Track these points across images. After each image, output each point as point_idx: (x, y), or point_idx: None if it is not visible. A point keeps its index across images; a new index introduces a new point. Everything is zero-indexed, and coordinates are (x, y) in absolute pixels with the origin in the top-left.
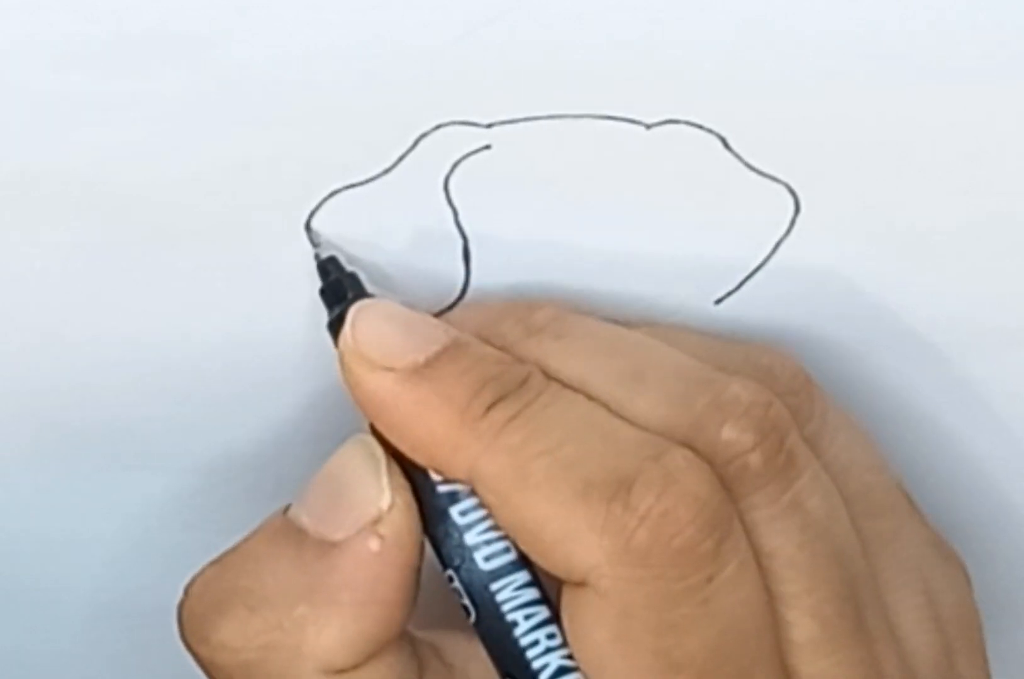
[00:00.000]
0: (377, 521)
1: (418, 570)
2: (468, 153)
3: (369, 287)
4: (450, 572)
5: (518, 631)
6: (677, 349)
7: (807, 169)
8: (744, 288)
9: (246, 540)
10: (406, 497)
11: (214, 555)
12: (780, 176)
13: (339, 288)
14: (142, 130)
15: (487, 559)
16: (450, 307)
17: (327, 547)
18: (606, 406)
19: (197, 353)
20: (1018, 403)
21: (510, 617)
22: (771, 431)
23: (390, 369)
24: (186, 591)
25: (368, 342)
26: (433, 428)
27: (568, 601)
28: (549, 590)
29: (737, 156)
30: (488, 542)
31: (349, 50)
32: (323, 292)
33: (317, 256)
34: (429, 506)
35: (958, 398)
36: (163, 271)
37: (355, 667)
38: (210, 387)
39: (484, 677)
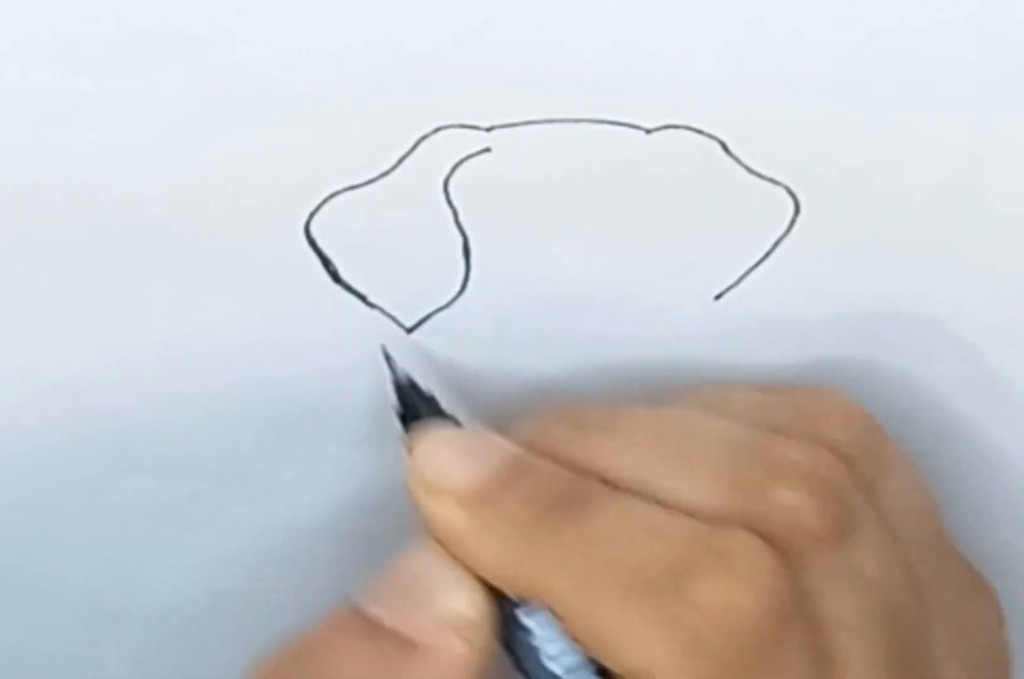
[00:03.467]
0: (461, 624)
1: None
2: (468, 156)
3: (444, 404)
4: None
5: None
6: (724, 415)
7: (806, 171)
8: (743, 286)
9: (316, 630)
10: (487, 600)
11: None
12: (780, 178)
13: (416, 412)
14: (142, 130)
15: (552, 658)
16: (448, 305)
17: (408, 646)
18: (661, 497)
19: (196, 354)
20: (1017, 401)
21: None
22: (828, 492)
23: (452, 494)
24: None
25: (429, 467)
26: (495, 550)
27: None
28: None
29: (737, 160)
30: (557, 643)
31: (350, 52)
32: (401, 417)
33: (396, 380)
34: (499, 608)
35: (957, 395)
36: (162, 272)
37: None
38: (210, 388)
39: None
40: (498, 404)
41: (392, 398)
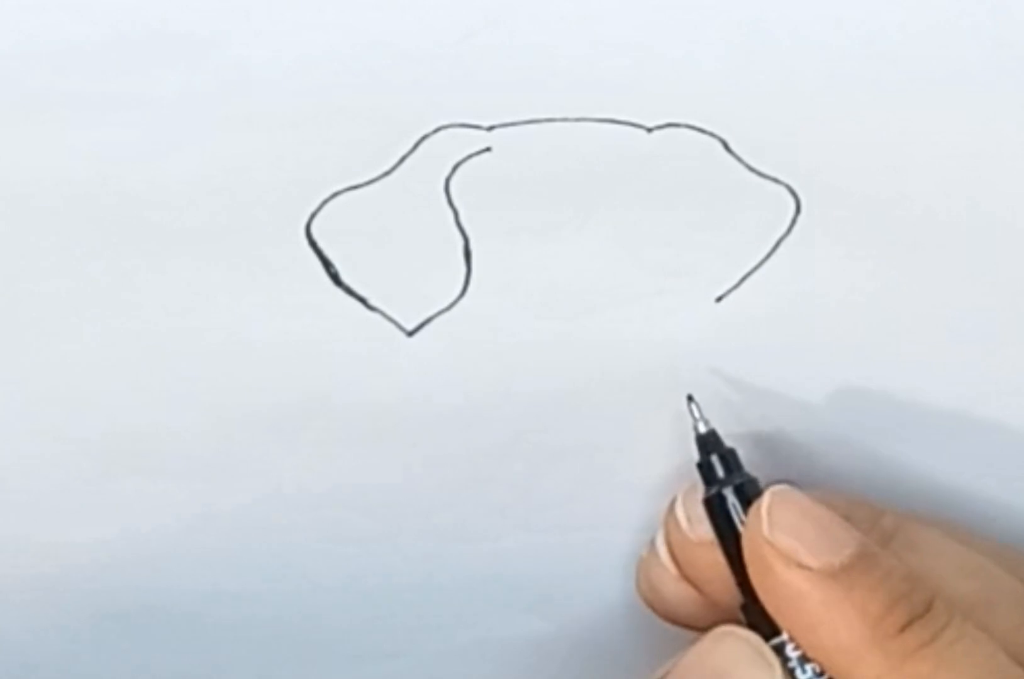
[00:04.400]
0: None
1: None
2: (469, 155)
3: (744, 466)
4: None
5: None
6: (1011, 573)
7: (808, 170)
8: (745, 287)
9: None
10: None
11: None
12: (781, 177)
13: (718, 464)
14: (141, 130)
15: None
16: (449, 308)
17: None
18: None
19: (196, 355)
20: (1018, 401)
21: None
22: None
23: (805, 567)
24: None
25: (784, 534)
26: (840, 635)
27: None
28: None
29: (738, 158)
30: None
31: (350, 52)
32: (700, 466)
33: (697, 429)
34: None
35: (957, 397)
36: (162, 272)
37: None
38: (210, 389)
39: None
40: (499, 405)
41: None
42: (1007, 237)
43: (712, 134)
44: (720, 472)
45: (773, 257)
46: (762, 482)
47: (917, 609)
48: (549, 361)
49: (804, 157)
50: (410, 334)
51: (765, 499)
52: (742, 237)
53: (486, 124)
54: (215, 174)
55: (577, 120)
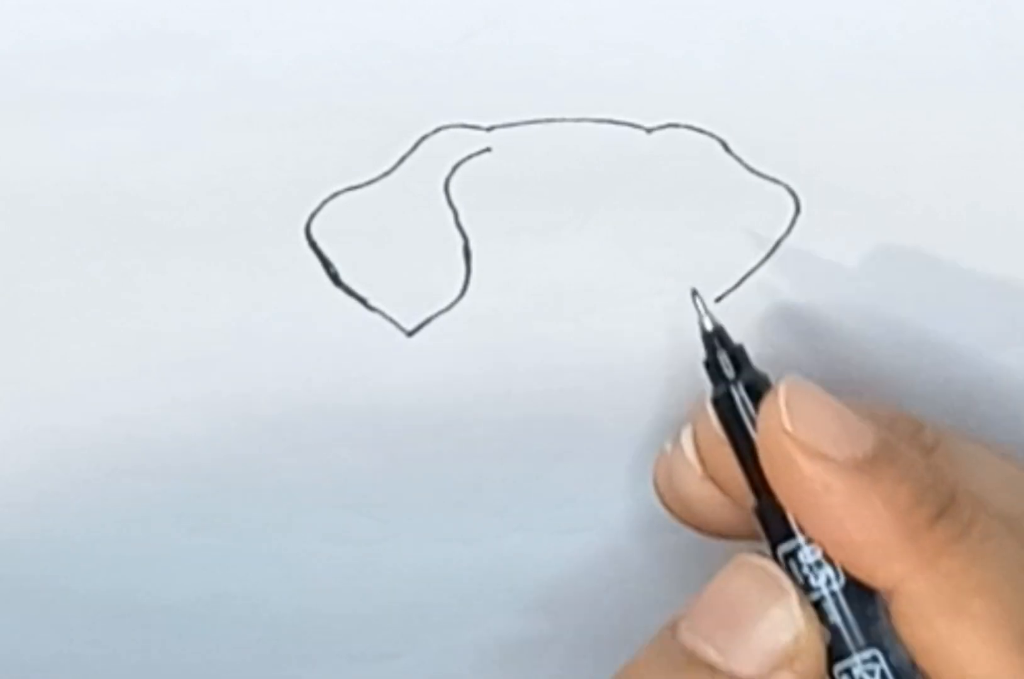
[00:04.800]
0: (793, 658)
1: None
2: (469, 155)
3: (754, 362)
4: (875, 652)
5: None
6: None
7: (807, 171)
8: (744, 287)
9: (644, 666)
10: (819, 630)
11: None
12: (780, 177)
13: (725, 362)
14: (142, 130)
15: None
16: (449, 308)
17: None
18: None
19: (196, 355)
20: (1018, 402)
21: None
22: None
23: (828, 459)
24: None
25: (805, 427)
26: (871, 530)
27: None
28: None
29: (737, 159)
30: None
31: (350, 52)
32: (707, 364)
33: (702, 326)
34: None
35: (957, 397)
36: (162, 272)
37: None
38: (210, 390)
39: None
40: (499, 405)
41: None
42: (1007, 237)
43: (712, 134)
44: (729, 371)
45: (773, 257)
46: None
47: (944, 501)
48: (549, 361)
49: (804, 157)
50: (410, 334)
51: (781, 390)
52: (742, 237)
53: (486, 124)
54: (215, 174)
55: (577, 120)
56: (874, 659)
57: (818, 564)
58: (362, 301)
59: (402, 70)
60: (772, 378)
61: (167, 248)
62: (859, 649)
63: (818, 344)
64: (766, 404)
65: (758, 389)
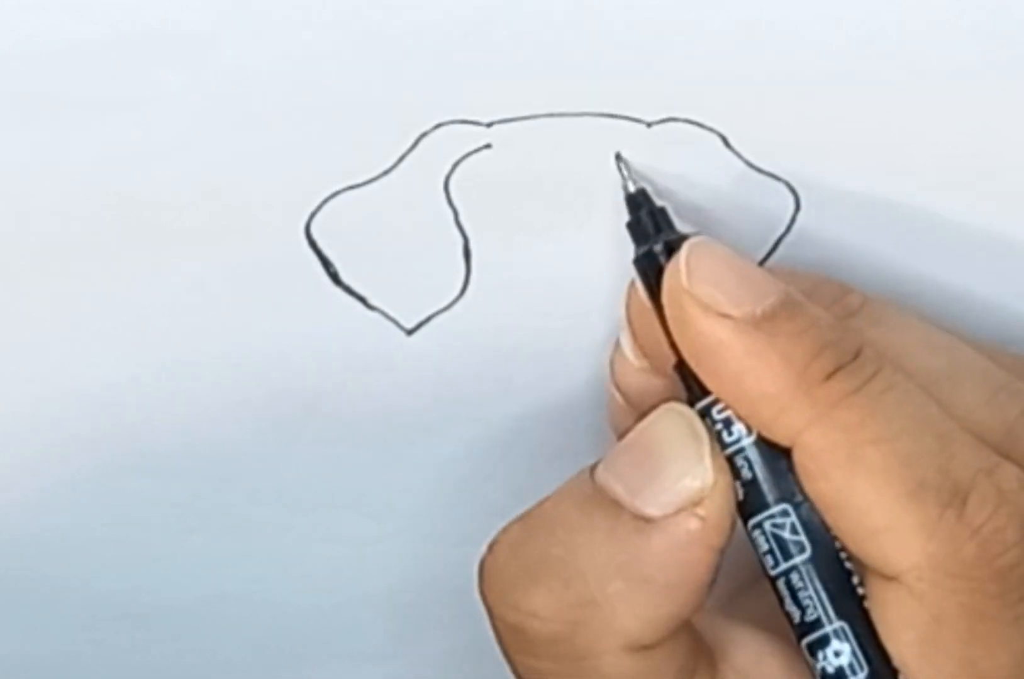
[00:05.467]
0: (698, 502)
1: (723, 554)
2: (469, 152)
3: (678, 223)
4: (786, 506)
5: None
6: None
7: (807, 167)
8: None
9: (554, 503)
10: (728, 480)
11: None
12: (780, 174)
13: (647, 223)
14: (142, 130)
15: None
16: (449, 307)
17: (642, 523)
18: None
19: (196, 354)
20: None
21: (844, 555)
22: None
23: (726, 316)
24: (491, 549)
25: (704, 284)
26: (765, 384)
27: (876, 590)
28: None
29: (737, 154)
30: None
31: (349, 49)
32: (630, 226)
33: (626, 188)
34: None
35: None
36: (162, 271)
37: (657, 645)
38: (210, 389)
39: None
40: (498, 404)
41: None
42: (1007, 237)
43: (712, 129)
44: (650, 230)
45: (773, 256)
46: None
47: (844, 357)
48: (549, 361)
49: (804, 154)
50: (410, 333)
51: (684, 249)
52: (742, 234)
53: (486, 120)
54: (215, 174)
55: (577, 115)
56: (784, 513)
57: (728, 421)
58: (362, 300)
59: (400, 67)
60: None
61: (167, 248)
62: (769, 504)
63: None
64: (670, 264)
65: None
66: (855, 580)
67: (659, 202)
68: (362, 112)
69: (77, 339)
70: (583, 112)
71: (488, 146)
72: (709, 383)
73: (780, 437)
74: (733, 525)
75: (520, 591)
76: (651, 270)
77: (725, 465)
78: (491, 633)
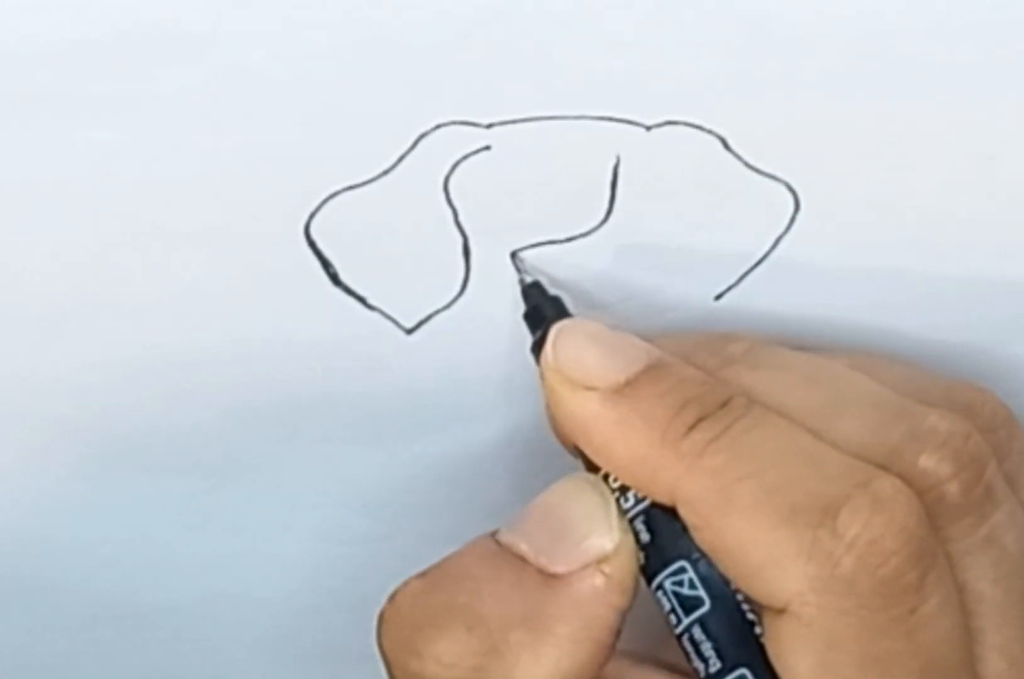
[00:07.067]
0: (603, 560)
1: (624, 616)
2: (468, 153)
3: (573, 310)
4: (683, 563)
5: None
6: (877, 381)
7: (807, 168)
8: (744, 285)
9: (457, 558)
10: (631, 542)
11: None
12: (780, 175)
13: (542, 312)
14: (142, 130)
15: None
16: (448, 306)
17: (547, 577)
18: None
19: (196, 354)
20: (1018, 400)
21: (746, 606)
22: (969, 463)
23: (592, 389)
24: (392, 600)
25: (570, 361)
26: (634, 448)
27: (771, 627)
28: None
29: (737, 156)
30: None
31: (349, 50)
32: (527, 316)
33: (522, 281)
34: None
35: None
36: (162, 271)
37: None
38: (209, 388)
39: None
40: (498, 404)
41: (520, 301)
42: (1007, 237)
43: (711, 132)
44: (544, 317)
45: (772, 256)
46: None
47: (708, 408)
48: (523, 259)
49: (804, 155)
50: (409, 332)
51: (552, 331)
52: (741, 236)
53: (485, 122)
54: (215, 174)
55: (576, 117)
56: (681, 570)
57: (623, 488)
58: (361, 300)
59: (401, 67)
60: None
61: (167, 248)
62: (666, 563)
63: (818, 342)
64: (544, 347)
65: None
66: (758, 627)
67: (552, 292)
68: (362, 112)
69: (77, 339)
70: (582, 115)
71: (487, 147)
72: (590, 455)
73: (662, 496)
74: (636, 587)
75: (423, 638)
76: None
77: (628, 527)
78: None
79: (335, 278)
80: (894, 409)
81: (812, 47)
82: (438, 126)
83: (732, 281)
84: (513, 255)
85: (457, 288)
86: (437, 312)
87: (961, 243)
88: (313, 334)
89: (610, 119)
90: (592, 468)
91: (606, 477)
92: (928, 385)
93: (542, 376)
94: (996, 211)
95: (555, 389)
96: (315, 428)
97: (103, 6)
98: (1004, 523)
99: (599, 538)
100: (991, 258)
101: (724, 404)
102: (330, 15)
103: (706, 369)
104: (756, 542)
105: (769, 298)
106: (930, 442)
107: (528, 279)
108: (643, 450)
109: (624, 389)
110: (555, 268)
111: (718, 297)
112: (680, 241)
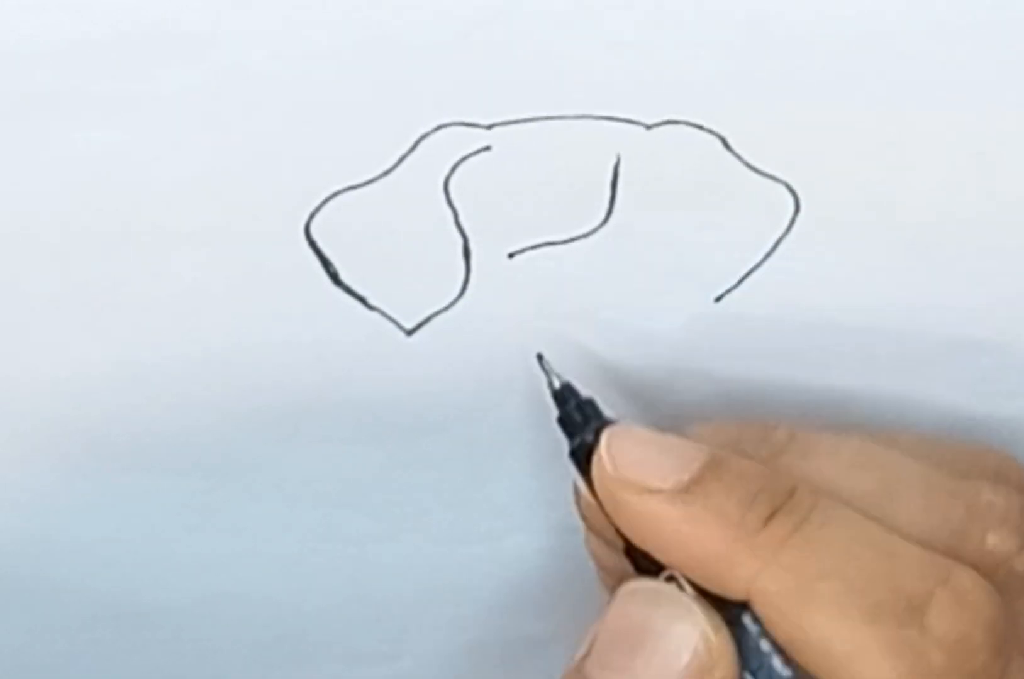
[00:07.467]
0: (710, 668)
1: None
2: (469, 154)
3: (606, 411)
4: (747, 675)
5: None
6: (911, 457)
7: (807, 169)
8: (744, 286)
9: None
10: (727, 634)
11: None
12: (780, 175)
13: (578, 415)
14: (142, 130)
15: (786, 664)
16: (448, 307)
17: None
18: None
19: (196, 354)
20: (1018, 400)
21: None
22: None
23: (656, 491)
24: None
25: (630, 466)
26: (708, 545)
27: None
28: None
29: (737, 156)
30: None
31: (349, 50)
32: (561, 421)
33: (551, 385)
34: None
35: (953, 397)
36: (162, 271)
37: None
38: (209, 389)
39: None
40: (498, 404)
41: (552, 406)
42: (1007, 237)
43: (711, 131)
44: (580, 421)
45: (772, 257)
46: None
47: (779, 499)
48: (549, 361)
49: (804, 155)
50: (409, 333)
51: (603, 438)
52: (741, 236)
53: (486, 122)
54: (215, 174)
55: (576, 117)
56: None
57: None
58: (362, 300)
59: (402, 68)
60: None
61: (167, 248)
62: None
63: (818, 343)
64: (596, 455)
65: None
66: None
67: (585, 394)
68: (362, 112)
69: (77, 339)
70: (583, 115)
71: (488, 148)
72: (660, 558)
73: (735, 591)
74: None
75: None
76: (586, 462)
77: (721, 623)
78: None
79: (335, 278)
80: (945, 488)
81: (812, 47)
82: (439, 126)
83: (732, 282)
84: (540, 358)
85: (457, 289)
86: (437, 313)
87: (961, 243)
88: (313, 334)
89: (610, 119)
90: (643, 571)
91: (672, 579)
92: (956, 455)
93: (597, 485)
94: (996, 211)
95: (616, 495)
96: (315, 428)
97: (103, 6)
98: None
99: (689, 649)
100: (991, 258)
101: (792, 494)
102: (330, 15)
103: (758, 460)
104: (839, 638)
105: (769, 299)
106: (991, 519)
107: (558, 382)
108: (716, 547)
109: (690, 487)
110: (556, 269)
111: (718, 299)
112: (680, 242)
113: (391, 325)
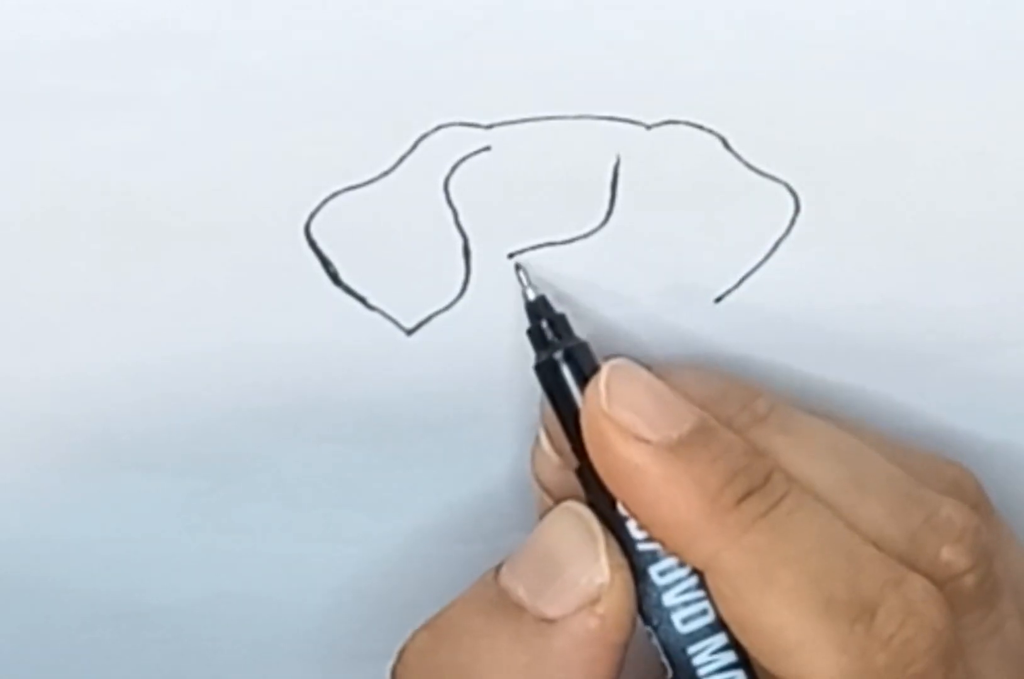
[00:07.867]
0: (596, 601)
1: (627, 647)
2: (468, 154)
3: (576, 330)
4: (648, 629)
5: None
6: (879, 453)
7: (807, 169)
8: (743, 287)
9: (460, 609)
10: (625, 577)
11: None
12: (780, 176)
13: (548, 330)
14: (142, 130)
15: (685, 621)
16: (448, 307)
17: (544, 625)
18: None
19: (196, 354)
20: (1018, 401)
21: None
22: (982, 556)
23: (644, 440)
24: (400, 658)
25: (625, 409)
26: (679, 509)
27: None
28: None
29: (737, 156)
30: (686, 604)
31: (349, 50)
32: (530, 333)
33: (526, 296)
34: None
35: (952, 397)
36: (161, 272)
37: None
38: (209, 388)
39: None
40: (498, 404)
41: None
42: (1007, 237)
43: (711, 131)
44: (550, 336)
45: (772, 257)
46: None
47: (755, 481)
48: (527, 271)
49: (804, 156)
50: (409, 333)
51: (603, 372)
52: (741, 237)
53: (485, 122)
54: (215, 174)
55: (576, 117)
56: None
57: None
58: (362, 300)
59: (402, 68)
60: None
61: (167, 247)
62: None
63: (818, 343)
64: (589, 386)
65: (577, 356)
66: None
67: (559, 309)
68: (362, 112)
69: (77, 338)
70: (583, 115)
71: (488, 148)
72: (626, 504)
73: (692, 561)
74: (634, 620)
75: None
76: (552, 376)
77: (623, 562)
78: None
79: (335, 278)
80: (910, 494)
81: (812, 47)
82: (438, 127)
83: (732, 282)
84: (517, 267)
85: (457, 289)
86: (437, 313)
87: (961, 243)
88: (313, 334)
89: (610, 118)
90: (591, 501)
91: (614, 505)
92: (918, 462)
93: (585, 415)
94: (995, 211)
95: (602, 433)
96: (315, 428)
97: (103, 6)
98: (1007, 611)
99: (590, 578)
100: (991, 258)
101: (768, 478)
102: (330, 15)
103: (736, 425)
104: (790, 626)
105: (769, 299)
106: (948, 534)
107: (532, 294)
108: (688, 515)
109: (676, 447)
110: (555, 269)
111: (718, 299)
112: (680, 242)
113: (391, 325)
